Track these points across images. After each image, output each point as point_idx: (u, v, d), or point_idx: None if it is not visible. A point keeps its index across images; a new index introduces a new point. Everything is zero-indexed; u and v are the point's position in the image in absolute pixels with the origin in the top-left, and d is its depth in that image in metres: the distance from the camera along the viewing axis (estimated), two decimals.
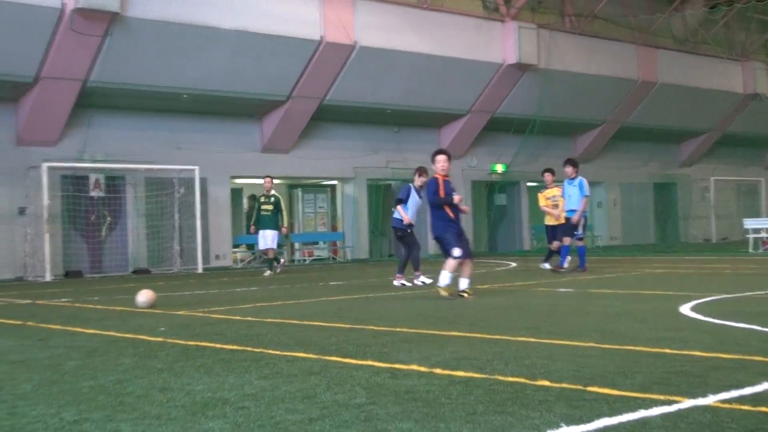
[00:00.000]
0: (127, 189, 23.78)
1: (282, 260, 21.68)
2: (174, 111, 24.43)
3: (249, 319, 9.73)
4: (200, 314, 10.56)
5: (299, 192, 29.36)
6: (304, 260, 28.20)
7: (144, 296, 11.51)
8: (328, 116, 26.85)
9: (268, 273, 19.87)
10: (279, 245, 21.39)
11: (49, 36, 19.92)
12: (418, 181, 15.28)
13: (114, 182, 23.61)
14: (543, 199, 18.91)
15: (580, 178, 17.66)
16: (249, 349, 7.16)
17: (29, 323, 9.92)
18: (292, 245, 28.66)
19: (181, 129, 24.74)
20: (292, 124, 25.85)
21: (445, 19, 26.49)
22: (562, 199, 18.15)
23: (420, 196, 15.12)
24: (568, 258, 17.89)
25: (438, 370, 5.85)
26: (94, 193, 23.08)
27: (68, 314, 11.16)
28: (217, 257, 25.29)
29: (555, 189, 18.74)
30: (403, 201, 15.12)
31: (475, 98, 28.53)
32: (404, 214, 15.00)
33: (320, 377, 5.72)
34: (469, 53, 26.99)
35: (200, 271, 22.96)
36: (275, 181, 29.44)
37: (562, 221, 18.05)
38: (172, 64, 21.98)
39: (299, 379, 5.67)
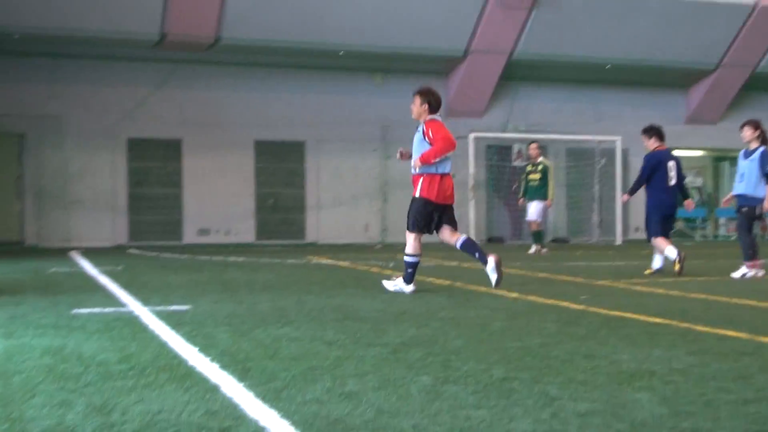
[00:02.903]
0: (550, 159, 24.09)
1: (542, 247, 18.18)
2: (596, 82, 24.30)
3: (672, 293, 9.45)
4: (622, 285, 10.45)
5: (726, 165, 27.89)
6: (729, 236, 26.82)
7: None
8: (763, 85, 25.17)
9: (533, 249, 18.01)
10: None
11: (479, 11, 20.69)
12: None
13: None
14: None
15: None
16: (674, 323, 6.94)
17: (457, 284, 10.43)
18: (716, 220, 27.40)
19: (602, 100, 24.57)
20: (720, 93, 24.60)
21: None
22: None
23: None
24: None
25: None
26: (516, 163, 23.72)
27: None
28: (637, 230, 24.81)
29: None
30: None
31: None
32: None
33: (753, 358, 5.40)
34: None
35: (619, 242, 22.71)
36: (698, 153, 28.45)
37: None
38: (596, 34, 21.86)
39: (730, 358, 5.39)
